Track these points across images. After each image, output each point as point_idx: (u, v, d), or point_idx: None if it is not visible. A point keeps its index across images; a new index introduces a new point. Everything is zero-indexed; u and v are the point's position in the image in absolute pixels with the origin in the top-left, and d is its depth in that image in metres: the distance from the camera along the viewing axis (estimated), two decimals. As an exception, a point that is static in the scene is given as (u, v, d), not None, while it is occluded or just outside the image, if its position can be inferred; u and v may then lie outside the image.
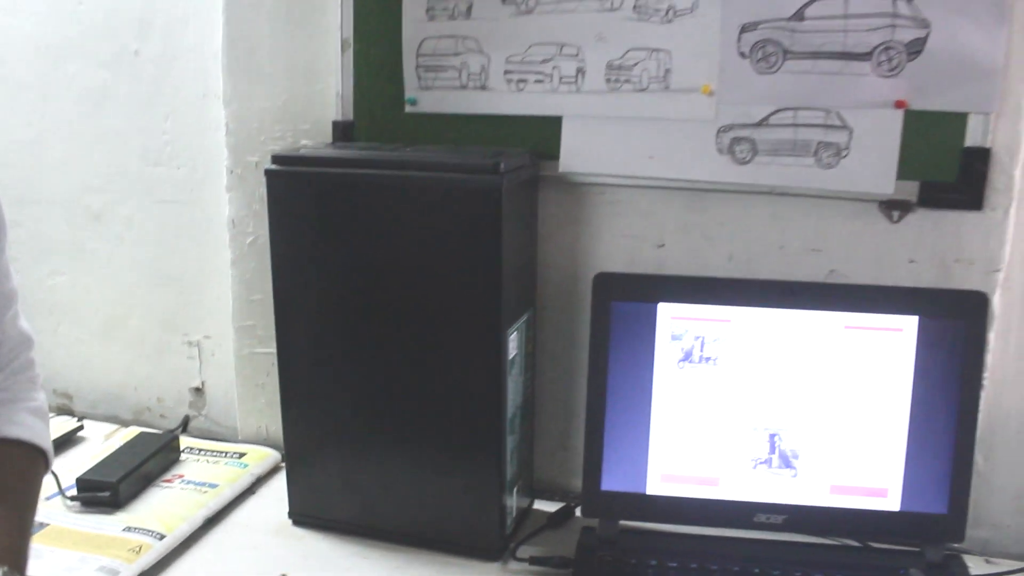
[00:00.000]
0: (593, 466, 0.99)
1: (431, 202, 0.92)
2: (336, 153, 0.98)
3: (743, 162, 0.99)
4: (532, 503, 1.09)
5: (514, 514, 1.02)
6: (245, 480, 1.12)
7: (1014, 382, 1.03)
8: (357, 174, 0.94)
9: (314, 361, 0.99)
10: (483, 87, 1.05)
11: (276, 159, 0.97)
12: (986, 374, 1.01)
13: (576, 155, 1.03)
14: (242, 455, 1.18)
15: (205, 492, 1.08)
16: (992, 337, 1.01)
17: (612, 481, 0.99)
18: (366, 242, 0.95)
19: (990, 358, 1.01)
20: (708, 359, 0.97)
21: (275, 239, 0.98)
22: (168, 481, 1.11)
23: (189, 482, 1.10)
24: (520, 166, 0.96)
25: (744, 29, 0.97)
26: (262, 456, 1.17)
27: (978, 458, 1.04)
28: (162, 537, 0.98)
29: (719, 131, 0.99)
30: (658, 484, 0.99)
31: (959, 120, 0.95)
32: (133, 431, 1.20)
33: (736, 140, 0.99)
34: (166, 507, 1.04)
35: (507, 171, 0.91)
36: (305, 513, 1.05)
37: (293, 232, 0.97)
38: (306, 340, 1.00)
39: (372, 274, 0.95)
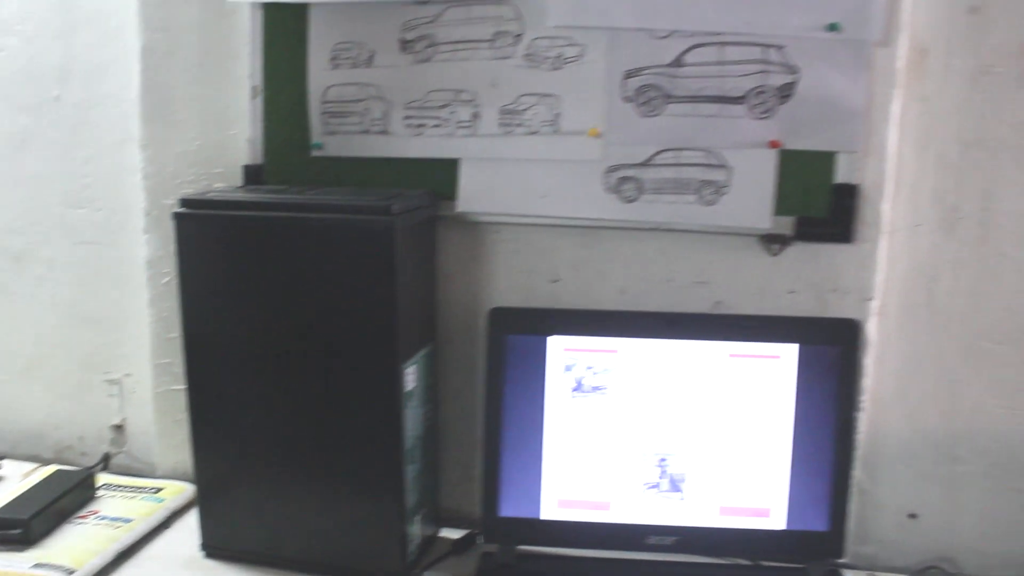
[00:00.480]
0: (491, 493, 1.03)
1: (329, 243, 0.96)
2: (239, 196, 1.02)
3: (630, 200, 1.04)
4: (438, 531, 1.12)
5: (419, 541, 1.06)
6: (160, 514, 1.14)
7: (894, 403, 1.08)
8: (259, 216, 0.98)
9: (223, 396, 1.03)
10: (384, 132, 1.09)
11: (184, 202, 1.01)
12: (867, 396, 1.06)
13: (473, 195, 1.08)
14: (159, 490, 1.20)
15: (118, 527, 1.10)
16: (871, 362, 1.06)
17: (509, 507, 1.03)
18: (271, 282, 0.98)
19: (870, 381, 1.07)
20: (599, 388, 1.01)
21: (184, 279, 1.02)
22: (83, 518, 1.13)
23: (103, 518, 1.12)
24: (416, 207, 1.00)
25: (628, 75, 1.02)
26: (178, 490, 1.20)
27: (863, 477, 1.09)
28: (72, 572, 1.00)
29: (607, 171, 1.04)
30: (553, 509, 1.03)
31: (829, 159, 1.01)
32: (51, 469, 1.22)
33: (623, 179, 1.04)
34: (78, 543, 1.06)
35: (400, 212, 0.95)
36: (216, 545, 1.07)
37: (201, 273, 1.01)
38: (215, 376, 1.03)
39: (277, 312, 0.99)
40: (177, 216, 1.00)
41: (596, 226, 1.07)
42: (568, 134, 1.04)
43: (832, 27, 0.98)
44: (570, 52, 1.03)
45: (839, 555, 1.03)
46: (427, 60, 1.07)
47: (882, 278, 1.05)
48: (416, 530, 1.05)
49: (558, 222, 1.07)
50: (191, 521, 1.13)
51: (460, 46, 1.06)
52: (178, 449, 1.25)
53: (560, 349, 1.01)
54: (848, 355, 1.00)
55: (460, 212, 1.09)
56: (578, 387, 1.01)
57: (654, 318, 1.02)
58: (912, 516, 1.11)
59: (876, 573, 1.08)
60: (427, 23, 1.06)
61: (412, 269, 1.00)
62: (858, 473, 1.10)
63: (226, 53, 1.15)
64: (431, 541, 1.10)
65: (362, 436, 0.99)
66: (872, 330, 1.06)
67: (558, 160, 1.05)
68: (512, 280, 1.10)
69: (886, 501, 1.11)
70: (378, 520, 1.01)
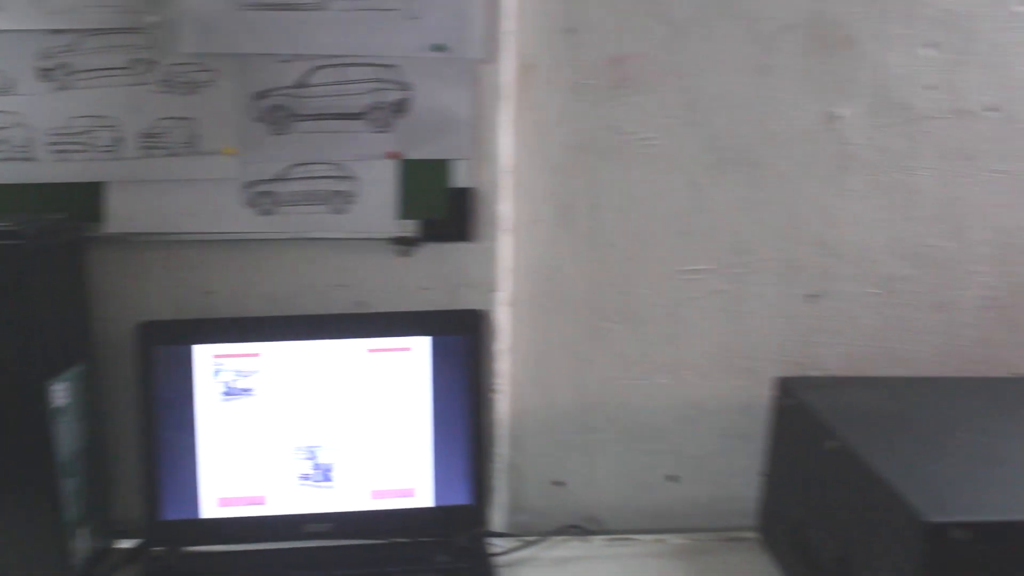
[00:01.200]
0: (152, 498, 1.08)
1: (-40, 270, 0.98)
2: None
3: (267, 213, 1.12)
4: (113, 542, 1.16)
5: (87, 555, 1.09)
6: None
7: (532, 384, 1.20)
8: None
9: None
10: (30, 158, 1.12)
11: None
12: (506, 379, 1.18)
13: (122, 216, 1.12)
14: None
15: None
16: (507, 347, 1.18)
17: (171, 511, 1.08)
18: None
19: (508, 365, 1.18)
20: (247, 391, 1.08)
21: None
22: None
23: None
24: (52, 230, 1.04)
25: (258, 96, 1.10)
26: None
27: (512, 453, 1.21)
28: None
29: (244, 187, 1.11)
30: (213, 508, 1.09)
31: (445, 166, 1.11)
32: None
33: (260, 194, 1.11)
34: None
35: (29, 236, 0.99)
36: None
37: None
38: None
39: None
40: None
41: (242, 239, 1.13)
42: (206, 154, 1.11)
43: (438, 47, 1.08)
44: (202, 77, 1.09)
45: (484, 525, 1.13)
46: (67, 88, 1.11)
47: (509, 271, 1.16)
48: (82, 544, 1.08)
49: (205, 237, 1.13)
50: None
51: (98, 73, 1.10)
52: None
53: (208, 356, 1.07)
54: (475, 342, 1.11)
55: (110, 232, 1.13)
56: (228, 391, 1.08)
57: (296, 321, 1.09)
58: (558, 483, 1.23)
59: (527, 538, 1.19)
60: (64, 52, 1.10)
61: (52, 290, 1.03)
62: (507, 450, 1.21)
63: None
64: (104, 553, 1.14)
65: (12, 455, 1.02)
66: (505, 319, 1.17)
67: (199, 179, 1.11)
68: (168, 295, 1.15)
69: (534, 473, 1.23)
70: (37, 538, 1.04)
